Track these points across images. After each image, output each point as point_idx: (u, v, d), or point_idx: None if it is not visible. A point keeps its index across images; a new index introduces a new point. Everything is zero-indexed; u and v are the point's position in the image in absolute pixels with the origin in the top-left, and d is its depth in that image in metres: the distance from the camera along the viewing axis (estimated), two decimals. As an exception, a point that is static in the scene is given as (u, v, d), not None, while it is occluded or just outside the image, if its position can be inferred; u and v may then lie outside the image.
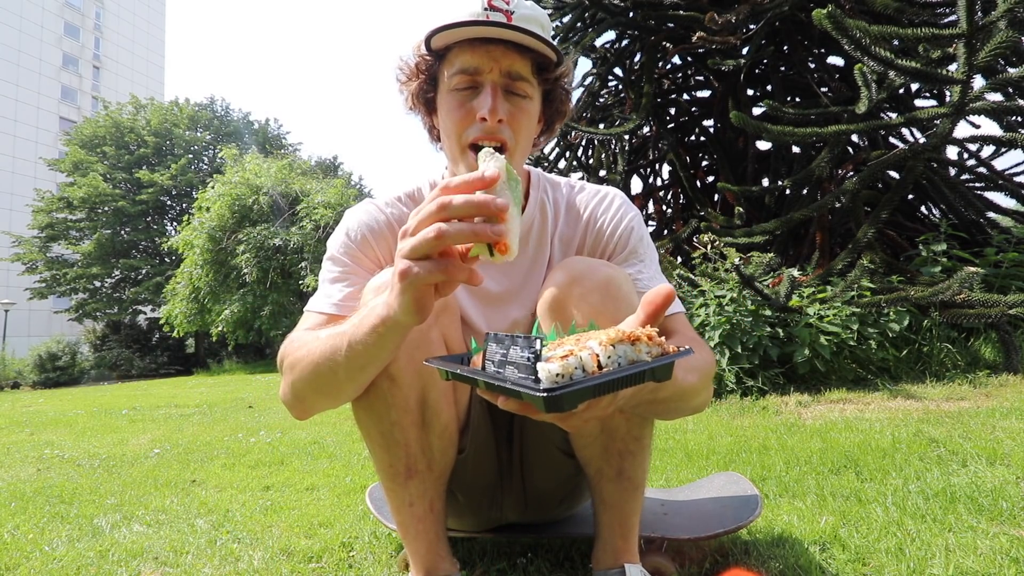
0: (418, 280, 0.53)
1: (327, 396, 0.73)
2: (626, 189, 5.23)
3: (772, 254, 3.12)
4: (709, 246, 3.31)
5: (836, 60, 4.29)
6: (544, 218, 0.89)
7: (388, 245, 0.86)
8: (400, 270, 0.54)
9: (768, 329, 2.86)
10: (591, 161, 5.37)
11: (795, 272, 2.78)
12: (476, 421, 0.89)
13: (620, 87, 5.34)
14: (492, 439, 0.92)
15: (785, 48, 4.37)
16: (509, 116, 0.76)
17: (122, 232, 20.96)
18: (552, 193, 0.91)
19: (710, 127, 5.11)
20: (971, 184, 3.82)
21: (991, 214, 3.71)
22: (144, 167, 21.20)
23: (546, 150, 5.59)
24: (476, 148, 0.76)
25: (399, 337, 0.63)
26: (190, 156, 22.57)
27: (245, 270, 13.30)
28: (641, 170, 5.52)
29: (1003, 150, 3.79)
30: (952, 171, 3.83)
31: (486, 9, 0.72)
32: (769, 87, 4.62)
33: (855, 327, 2.77)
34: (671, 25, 4.26)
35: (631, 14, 4.27)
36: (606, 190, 0.91)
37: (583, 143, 5.39)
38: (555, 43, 0.78)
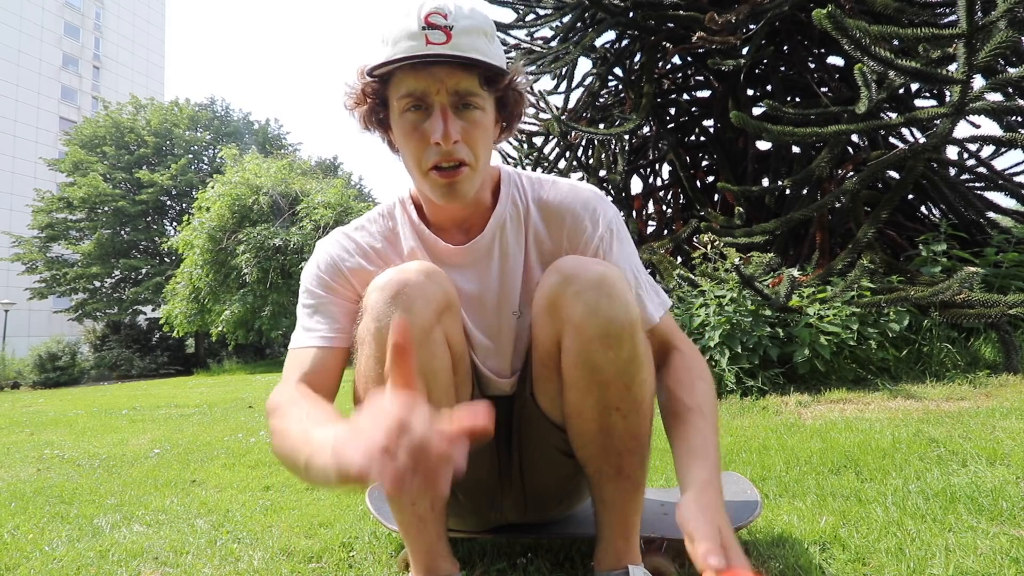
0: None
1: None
2: (626, 189, 5.24)
3: (772, 254, 3.11)
4: (709, 246, 3.31)
5: (836, 60, 4.28)
6: (517, 213, 0.88)
7: (361, 271, 0.85)
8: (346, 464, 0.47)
9: (768, 329, 2.86)
10: (591, 161, 5.38)
11: (795, 272, 2.78)
12: None
13: (620, 87, 5.34)
14: (491, 438, 0.92)
15: (785, 48, 4.37)
16: (464, 133, 0.74)
17: (122, 232, 20.95)
18: (523, 189, 0.90)
19: (710, 127, 5.11)
20: (971, 184, 3.82)
21: (991, 214, 3.71)
22: (144, 167, 21.18)
23: (546, 150, 5.59)
24: (438, 169, 0.75)
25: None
26: (190, 156, 22.56)
27: (245, 270, 13.29)
28: (641, 170, 5.52)
29: (1003, 150, 3.78)
30: (952, 171, 3.83)
31: (424, 28, 0.70)
32: (769, 87, 4.62)
33: (855, 327, 2.77)
34: (671, 25, 4.26)
35: (631, 14, 4.27)
36: (579, 185, 0.90)
37: (583, 143, 5.38)
38: (503, 52, 0.77)
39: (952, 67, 2.77)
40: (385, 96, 0.78)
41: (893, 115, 4.07)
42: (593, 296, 0.73)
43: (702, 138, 5.24)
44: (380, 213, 0.91)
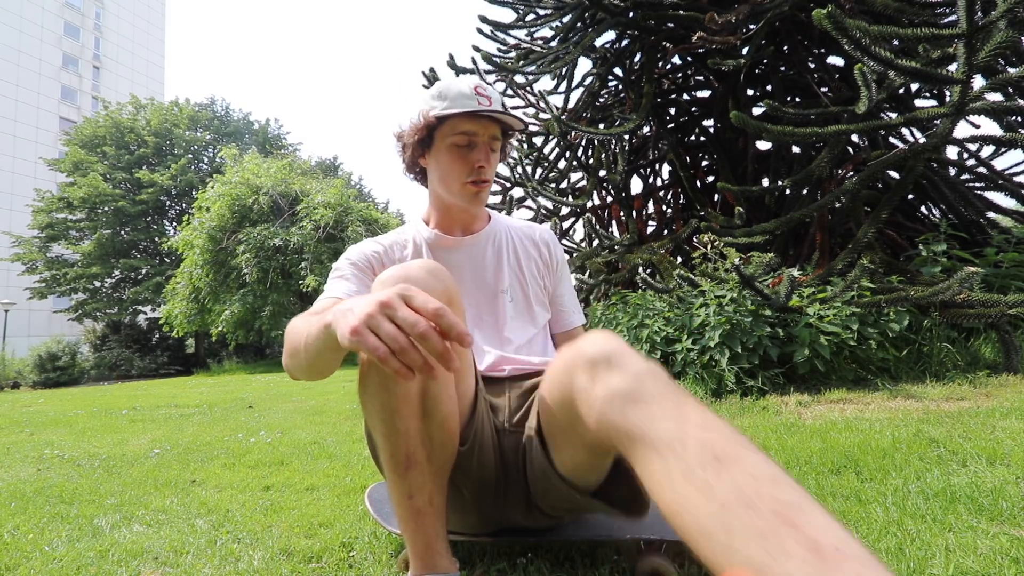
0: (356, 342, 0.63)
1: (300, 372, 0.86)
2: (626, 189, 5.24)
3: (772, 254, 3.11)
4: (709, 246, 3.31)
5: (836, 60, 4.29)
6: (504, 231, 1.19)
7: (380, 258, 1.08)
8: (360, 320, 0.62)
9: (768, 329, 2.86)
10: (591, 161, 5.38)
11: (795, 272, 2.77)
12: (480, 415, 0.91)
13: (620, 87, 5.34)
14: (494, 433, 0.95)
15: (785, 48, 4.37)
16: (489, 164, 1.07)
17: (122, 232, 20.92)
18: (502, 221, 1.22)
19: (710, 127, 5.11)
20: (971, 184, 3.82)
21: (991, 214, 3.71)
22: (144, 167, 21.16)
23: (546, 150, 5.59)
24: (473, 183, 1.06)
25: (336, 346, 0.70)
26: (190, 156, 22.52)
27: (245, 270, 13.28)
28: (641, 170, 5.52)
29: (1003, 150, 3.78)
30: (952, 171, 3.83)
31: (476, 95, 1.04)
32: (769, 87, 4.62)
33: (855, 327, 2.77)
34: (671, 25, 4.26)
35: (631, 14, 4.27)
36: (532, 223, 1.27)
37: (583, 143, 5.38)
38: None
39: (952, 67, 2.77)
40: (433, 133, 1.09)
41: (893, 115, 4.07)
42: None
43: (702, 138, 5.24)
44: (397, 232, 1.18)
